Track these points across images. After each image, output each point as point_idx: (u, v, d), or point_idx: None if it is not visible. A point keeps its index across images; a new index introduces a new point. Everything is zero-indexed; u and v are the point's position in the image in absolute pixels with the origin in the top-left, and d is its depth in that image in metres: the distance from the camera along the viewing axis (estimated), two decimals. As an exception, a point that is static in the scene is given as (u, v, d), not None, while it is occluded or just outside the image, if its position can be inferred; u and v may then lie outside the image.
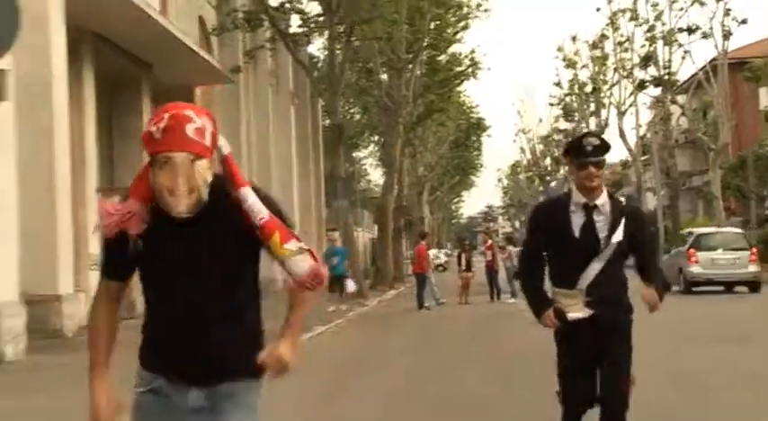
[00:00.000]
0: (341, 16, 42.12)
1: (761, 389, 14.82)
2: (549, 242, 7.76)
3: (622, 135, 73.86)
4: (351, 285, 37.92)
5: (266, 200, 4.22)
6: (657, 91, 67.93)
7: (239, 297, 4.17)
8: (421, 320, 32.26)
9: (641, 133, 75.00)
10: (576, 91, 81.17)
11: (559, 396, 8.02)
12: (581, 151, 7.55)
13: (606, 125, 77.88)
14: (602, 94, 77.52)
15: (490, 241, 41.84)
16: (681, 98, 70.01)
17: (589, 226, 7.50)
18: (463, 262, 39.16)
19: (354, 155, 76.66)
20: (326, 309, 33.01)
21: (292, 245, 4.07)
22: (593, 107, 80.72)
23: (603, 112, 78.61)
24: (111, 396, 4.24)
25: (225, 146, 4.15)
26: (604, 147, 7.65)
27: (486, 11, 56.54)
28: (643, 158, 77.08)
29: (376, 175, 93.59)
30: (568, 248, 7.56)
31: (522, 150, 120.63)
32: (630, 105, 72.43)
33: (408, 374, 18.11)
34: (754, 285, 38.01)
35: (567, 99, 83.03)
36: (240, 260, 4.17)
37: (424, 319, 32.70)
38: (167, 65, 30.46)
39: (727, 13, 58.73)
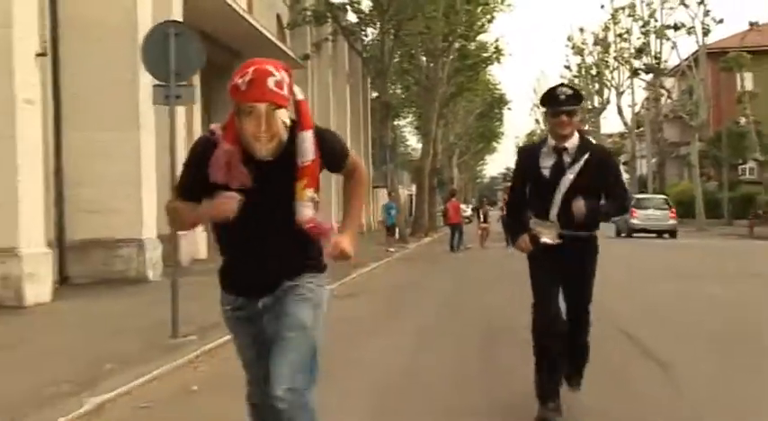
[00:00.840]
0: (390, 14, 42.57)
1: (718, 307, 16.28)
2: (528, 179, 7.68)
3: (620, 111, 76.17)
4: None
5: (328, 139, 4.43)
6: (650, 76, 67.74)
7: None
8: (451, 259, 33.11)
9: (636, 110, 76.31)
10: (583, 74, 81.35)
11: (533, 307, 7.83)
12: (555, 100, 7.31)
13: (608, 102, 79.84)
14: (604, 77, 78.58)
15: (505, 197, 42.24)
16: (670, 81, 69.98)
17: (558, 165, 7.37)
18: (481, 215, 40.77)
19: (396, 123, 76.31)
20: (385, 249, 35.48)
21: (309, 192, 4.23)
22: (596, 87, 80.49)
23: (605, 92, 79.47)
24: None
25: (299, 92, 4.26)
26: (577, 96, 7.42)
27: (509, 5, 57.18)
28: (637, 131, 78.28)
29: (413, 141, 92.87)
30: (541, 184, 7.47)
31: (537, 121, 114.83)
32: (627, 87, 73.92)
33: (445, 295, 19.22)
34: (672, 233, 46.87)
35: (575, 81, 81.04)
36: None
37: (454, 259, 33.45)
38: (252, 53, 27.91)
39: (706, 13, 59.61)
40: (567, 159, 7.37)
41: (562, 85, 7.67)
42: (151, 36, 13.07)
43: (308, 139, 4.18)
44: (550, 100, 7.29)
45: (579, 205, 7.13)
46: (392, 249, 36.05)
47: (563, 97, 7.09)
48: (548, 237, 7.40)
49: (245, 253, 4.29)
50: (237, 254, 4.35)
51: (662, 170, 72.32)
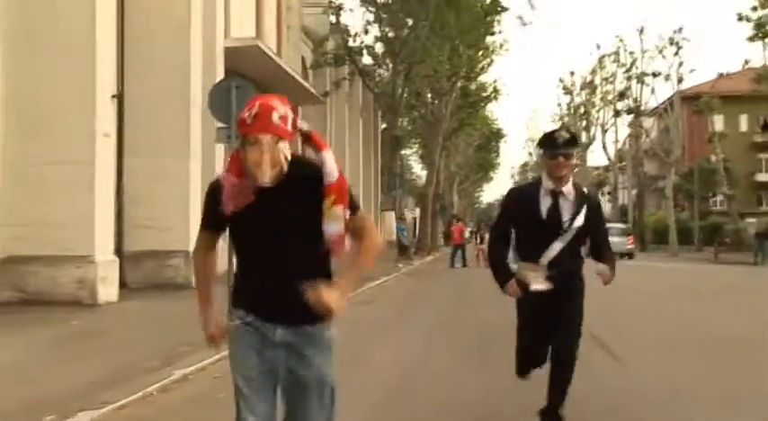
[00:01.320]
0: (402, 58, 43.36)
1: (689, 322, 16.52)
2: (519, 221, 7.14)
3: (604, 147, 76.55)
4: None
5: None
6: (631, 116, 68.68)
7: (312, 249, 4.07)
8: (452, 275, 33.55)
9: (619, 146, 76.60)
10: (572, 112, 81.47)
11: (516, 352, 7.50)
12: (553, 143, 6.89)
13: (594, 139, 79.18)
14: (591, 116, 78.53)
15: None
16: (650, 121, 71.28)
17: (555, 209, 6.90)
18: (478, 237, 41.28)
19: (402, 153, 76.51)
20: (394, 264, 35.83)
21: (338, 210, 4.00)
22: (584, 124, 79.98)
23: (592, 129, 79.11)
24: (218, 320, 4.36)
25: (304, 125, 4.08)
26: (573, 140, 7.00)
27: (506, 50, 58.23)
28: (620, 165, 78.57)
29: (417, 169, 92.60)
30: (536, 228, 6.94)
31: (530, 154, 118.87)
32: (611, 125, 74.31)
33: (447, 303, 20.16)
34: (630, 255, 48.41)
35: (565, 118, 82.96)
36: (313, 218, 4.03)
37: (454, 274, 33.68)
38: (281, 91, 27.72)
39: (680, 64, 61.05)
40: (563, 205, 6.92)
41: (560, 128, 7.40)
42: (218, 86, 14.64)
43: (329, 157, 4.06)
44: (549, 143, 6.93)
45: (606, 270, 6.89)
46: (401, 265, 36.50)
47: (561, 141, 6.78)
48: (538, 284, 6.82)
49: (261, 277, 4.09)
50: (253, 277, 4.16)
51: (641, 201, 72.79)
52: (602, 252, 7.09)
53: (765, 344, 13.08)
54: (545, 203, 6.88)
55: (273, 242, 3.97)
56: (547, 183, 6.85)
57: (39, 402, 7.68)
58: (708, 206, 66.16)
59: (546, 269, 6.82)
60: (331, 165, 3.97)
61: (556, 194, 6.80)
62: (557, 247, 6.80)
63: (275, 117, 3.83)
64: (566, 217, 6.79)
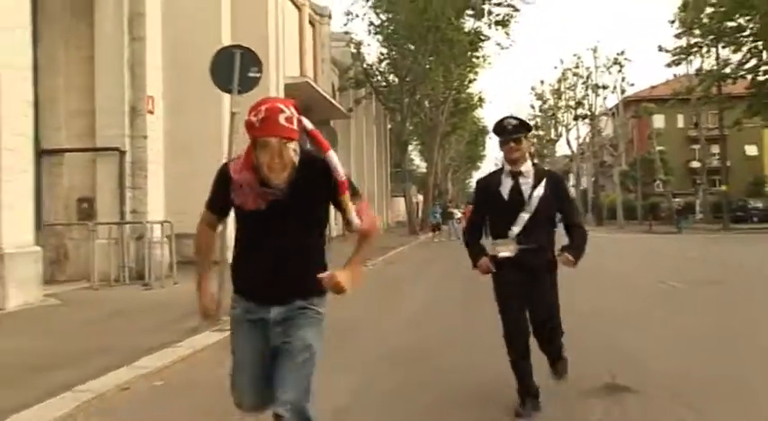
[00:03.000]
0: (408, 80, 45.10)
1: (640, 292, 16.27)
2: (488, 205, 6.22)
3: (568, 142, 77.15)
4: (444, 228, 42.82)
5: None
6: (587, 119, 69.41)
7: (312, 239, 3.75)
8: (451, 244, 32.75)
9: (580, 142, 76.68)
10: (542, 114, 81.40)
11: (504, 335, 6.01)
12: (503, 131, 6.07)
13: (560, 135, 79.69)
14: (557, 118, 78.34)
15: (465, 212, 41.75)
16: (604, 119, 71.44)
17: (515, 188, 6.03)
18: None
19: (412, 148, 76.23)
20: (432, 239, 39.36)
21: (353, 204, 3.70)
22: (553, 123, 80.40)
23: (559, 128, 78.96)
24: (212, 295, 4.04)
25: (309, 124, 3.62)
26: (522, 125, 6.09)
27: (489, 64, 57.51)
28: (581, 156, 78.66)
29: (417, 160, 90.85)
30: (502, 207, 6.04)
31: None
32: (573, 125, 74.52)
33: (451, 261, 20.84)
34: None
35: (537, 119, 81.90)
36: (316, 210, 3.75)
37: (453, 245, 32.31)
38: (317, 109, 31.15)
39: (623, 79, 62.79)
40: (523, 182, 6.06)
41: (509, 116, 6.26)
42: (223, 52, 10.89)
43: (334, 157, 3.66)
44: (500, 130, 6.11)
45: (568, 259, 5.88)
46: (436, 240, 39.08)
47: (510, 127, 5.99)
48: (505, 251, 5.97)
49: (262, 265, 3.68)
50: (254, 265, 3.73)
51: (597, 185, 74.58)
52: (570, 226, 6.15)
53: (641, 280, 15.99)
54: (507, 185, 6.11)
55: (279, 233, 3.64)
56: (506, 167, 6.12)
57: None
58: (651, 189, 66.84)
59: (515, 241, 5.95)
60: (337, 164, 3.64)
61: (515, 175, 6.05)
62: (523, 218, 5.94)
63: (282, 119, 3.47)
64: (527, 193, 5.95)
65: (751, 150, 70.08)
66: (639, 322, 10.41)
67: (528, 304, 5.95)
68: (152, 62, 15.82)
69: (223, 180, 3.70)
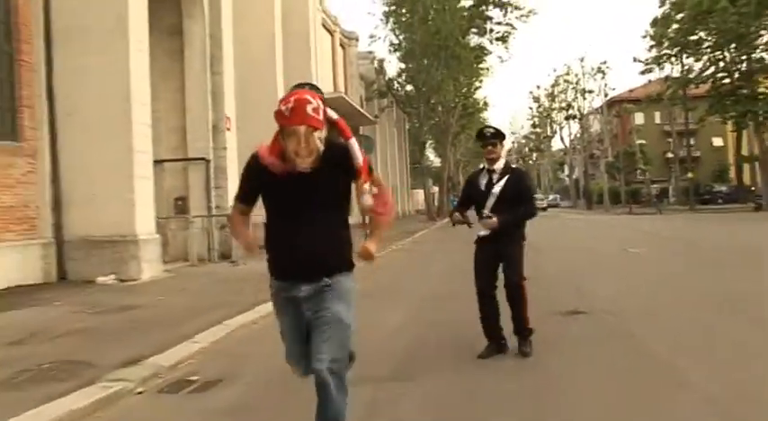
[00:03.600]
0: (424, 91, 45.32)
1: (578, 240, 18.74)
2: (472, 194, 6.71)
3: (562, 138, 78.18)
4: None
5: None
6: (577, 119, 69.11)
7: (338, 220, 3.60)
8: (465, 228, 36.58)
9: (572, 137, 76.54)
10: (539, 114, 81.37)
11: (476, 292, 6.56)
12: (483, 137, 6.50)
13: (555, 133, 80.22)
14: (552, 117, 77.89)
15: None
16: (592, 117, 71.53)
17: (489, 181, 6.53)
18: None
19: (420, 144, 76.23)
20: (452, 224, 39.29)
21: (368, 186, 3.55)
22: (548, 122, 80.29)
23: (554, 126, 78.97)
24: (249, 235, 3.79)
25: (333, 114, 3.51)
26: (498, 133, 6.47)
27: (492, 73, 59.44)
28: (573, 149, 78.04)
29: (432, 156, 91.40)
30: (480, 195, 6.56)
31: (513, 143, 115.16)
32: (566, 124, 74.47)
33: (461, 242, 19.38)
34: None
35: (535, 119, 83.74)
36: (340, 194, 3.58)
37: (464, 228, 36.74)
38: (349, 118, 26.55)
39: (605, 85, 65.00)
40: (495, 177, 6.56)
41: (488, 126, 6.81)
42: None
43: (355, 145, 3.52)
44: (480, 136, 6.58)
45: (492, 222, 6.32)
46: (453, 225, 39.97)
47: (488, 134, 6.42)
48: (482, 232, 6.53)
49: (290, 248, 3.52)
50: (282, 248, 3.57)
51: (587, 175, 74.40)
52: (517, 207, 6.41)
53: (610, 248, 16.94)
54: (484, 179, 6.61)
55: (305, 215, 3.48)
56: (485, 166, 6.61)
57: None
58: (633, 177, 66.50)
59: (489, 217, 6.38)
60: (357, 150, 3.51)
61: (490, 172, 6.54)
62: (492, 199, 6.43)
63: (309, 109, 3.31)
64: (497, 186, 6.47)
65: (717, 142, 70.06)
66: (600, 274, 12.36)
67: (502, 266, 6.46)
68: (228, 91, 17.44)
69: (251, 170, 3.60)
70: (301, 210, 3.49)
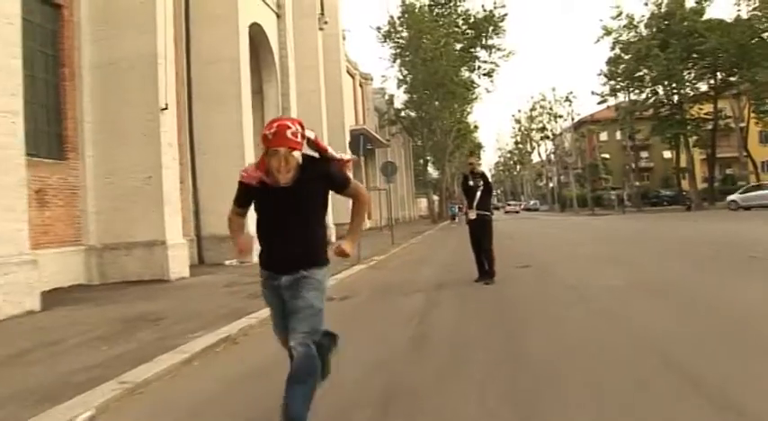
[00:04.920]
0: (425, 119, 47.49)
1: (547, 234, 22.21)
2: (464, 190, 8.88)
3: (539, 154, 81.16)
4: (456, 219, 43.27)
5: (334, 169, 3.74)
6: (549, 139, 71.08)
7: (314, 223, 3.70)
8: (461, 228, 31.02)
9: (548, 153, 78.83)
10: (520, 133, 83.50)
11: (473, 250, 9.82)
12: (471, 154, 9.64)
13: (533, 148, 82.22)
14: (531, 136, 79.92)
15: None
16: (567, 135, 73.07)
17: (475, 182, 9.08)
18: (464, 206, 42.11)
19: (422, 160, 77.85)
20: (449, 224, 40.72)
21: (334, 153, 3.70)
22: (528, 140, 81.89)
23: (533, 143, 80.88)
24: (243, 240, 3.88)
25: (311, 133, 3.60)
26: (475, 153, 8.17)
27: (480, 100, 61.71)
28: (549, 163, 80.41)
29: (431, 169, 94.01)
30: (468, 191, 9.16)
31: (500, 156, 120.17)
32: (542, 142, 76.84)
33: (460, 237, 21.47)
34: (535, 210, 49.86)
35: (517, 136, 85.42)
36: (317, 203, 3.70)
37: (461, 227, 32.40)
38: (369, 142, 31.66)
39: (572, 111, 67.31)
40: (475, 179, 9.27)
41: (471, 152, 9.17)
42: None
43: (331, 151, 3.70)
44: (470, 154, 9.91)
45: (474, 213, 9.39)
46: (453, 225, 40.54)
47: (468, 152, 8.59)
48: (472, 215, 9.34)
49: (275, 244, 3.66)
50: (269, 244, 3.70)
51: (560, 183, 77.15)
52: (488, 197, 9.19)
53: (563, 239, 20.24)
54: (470, 181, 9.10)
55: (285, 220, 3.62)
56: (469, 173, 9.15)
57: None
58: (599, 184, 67.93)
59: (476, 207, 9.16)
60: (335, 153, 3.65)
61: (474, 176, 9.12)
62: (476, 196, 8.98)
63: (288, 134, 3.45)
64: (476, 185, 9.16)
65: (667, 154, 72.08)
66: (546, 249, 16.27)
67: (480, 238, 9.32)
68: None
69: (241, 184, 3.70)
70: (283, 215, 3.60)
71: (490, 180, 9.65)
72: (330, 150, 3.71)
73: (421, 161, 64.99)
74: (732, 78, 45.21)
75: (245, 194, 3.73)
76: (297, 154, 3.51)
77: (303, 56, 24.65)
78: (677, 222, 27.89)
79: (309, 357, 3.57)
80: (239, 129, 16.63)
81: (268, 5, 20.28)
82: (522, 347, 5.60)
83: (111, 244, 12.45)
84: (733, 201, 37.28)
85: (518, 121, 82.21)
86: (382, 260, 15.50)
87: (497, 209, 21.83)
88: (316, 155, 3.74)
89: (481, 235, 9.68)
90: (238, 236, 3.88)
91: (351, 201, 3.87)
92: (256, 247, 3.78)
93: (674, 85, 46.49)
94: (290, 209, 3.57)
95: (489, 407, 4.18)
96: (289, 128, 3.47)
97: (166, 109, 12.57)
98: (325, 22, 27.44)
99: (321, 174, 3.62)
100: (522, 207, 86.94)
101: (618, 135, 75.06)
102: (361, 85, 43.71)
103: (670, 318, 6.44)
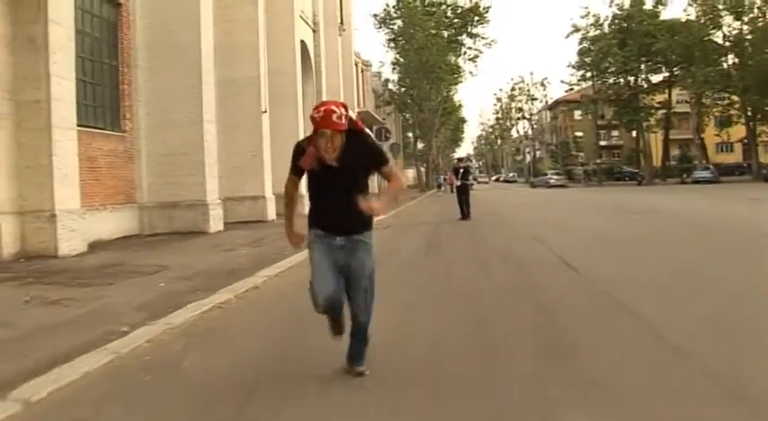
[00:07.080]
0: (416, 100, 52.33)
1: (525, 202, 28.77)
2: (454, 171, 12.24)
3: (517, 131, 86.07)
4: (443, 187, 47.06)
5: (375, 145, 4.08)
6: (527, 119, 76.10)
7: (358, 193, 3.88)
8: (447, 195, 37.74)
9: (525, 130, 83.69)
10: (501, 112, 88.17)
11: (459, 205, 14.14)
12: (460, 161, 15.54)
13: (512, 125, 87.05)
14: (510, 115, 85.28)
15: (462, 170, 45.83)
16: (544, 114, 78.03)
17: (461, 167, 14.38)
18: (449, 176, 35.54)
19: (408, 134, 76.62)
20: (436, 193, 45.91)
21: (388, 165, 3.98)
22: (508, 117, 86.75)
23: (512, 121, 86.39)
24: (297, 231, 4.15)
25: (353, 114, 3.95)
26: (462, 159, 14.33)
27: (466, 78, 65.56)
28: (526, 139, 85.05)
29: (419, 144, 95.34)
30: (456, 172, 14.62)
31: (483, 130, 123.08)
32: (520, 121, 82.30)
33: (447, 202, 27.52)
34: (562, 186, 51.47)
35: (498, 114, 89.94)
36: (361, 175, 3.95)
37: (446, 195, 37.56)
38: (368, 121, 34.26)
39: (546, 95, 73.32)
40: (462, 167, 15.62)
41: (460, 159, 11.54)
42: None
43: (369, 133, 3.97)
44: (459, 160, 16.55)
45: (457, 182, 15.96)
46: (440, 193, 46.13)
47: (459, 159, 14.86)
48: (457, 183, 15.90)
49: (328, 210, 3.95)
50: (323, 210, 3.98)
51: (535, 159, 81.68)
52: (467, 175, 13.87)
53: (537, 205, 27.30)
54: (459, 168, 15.19)
55: (335, 189, 3.87)
56: (456, 163, 16.18)
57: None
58: (571, 160, 73.00)
59: (460, 179, 15.12)
60: (372, 136, 3.95)
61: (459, 160, 15.57)
62: (461, 174, 14.01)
63: (334, 117, 3.68)
64: (461, 168, 15.36)
65: (634, 134, 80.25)
66: (511, 208, 23.46)
67: (462, 196, 15.93)
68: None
69: (297, 151, 3.95)
70: (332, 185, 3.92)
71: (470, 169, 14.71)
72: (366, 131, 4.11)
73: (410, 134, 71.42)
74: (677, 74, 52.37)
75: (298, 163, 3.98)
76: (342, 135, 3.84)
77: (328, 58, 31.06)
78: (613, 194, 34.15)
79: (366, 328, 4.21)
80: (296, 120, 23.76)
81: (308, 24, 27.17)
82: (482, 241, 12.60)
83: (235, 197, 19.33)
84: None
85: (499, 100, 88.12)
86: (395, 214, 21.17)
87: (475, 180, 29.36)
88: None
89: (464, 194, 16.57)
90: (291, 220, 4.23)
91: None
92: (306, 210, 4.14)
93: (629, 78, 53.67)
94: (339, 183, 3.90)
95: (467, 257, 10.67)
96: (334, 112, 3.74)
97: (265, 112, 20.01)
98: (344, 30, 34.06)
99: (362, 146, 3.94)
100: (501, 179, 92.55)
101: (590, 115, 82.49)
102: (362, 71, 47.39)
103: (559, 235, 13.19)
